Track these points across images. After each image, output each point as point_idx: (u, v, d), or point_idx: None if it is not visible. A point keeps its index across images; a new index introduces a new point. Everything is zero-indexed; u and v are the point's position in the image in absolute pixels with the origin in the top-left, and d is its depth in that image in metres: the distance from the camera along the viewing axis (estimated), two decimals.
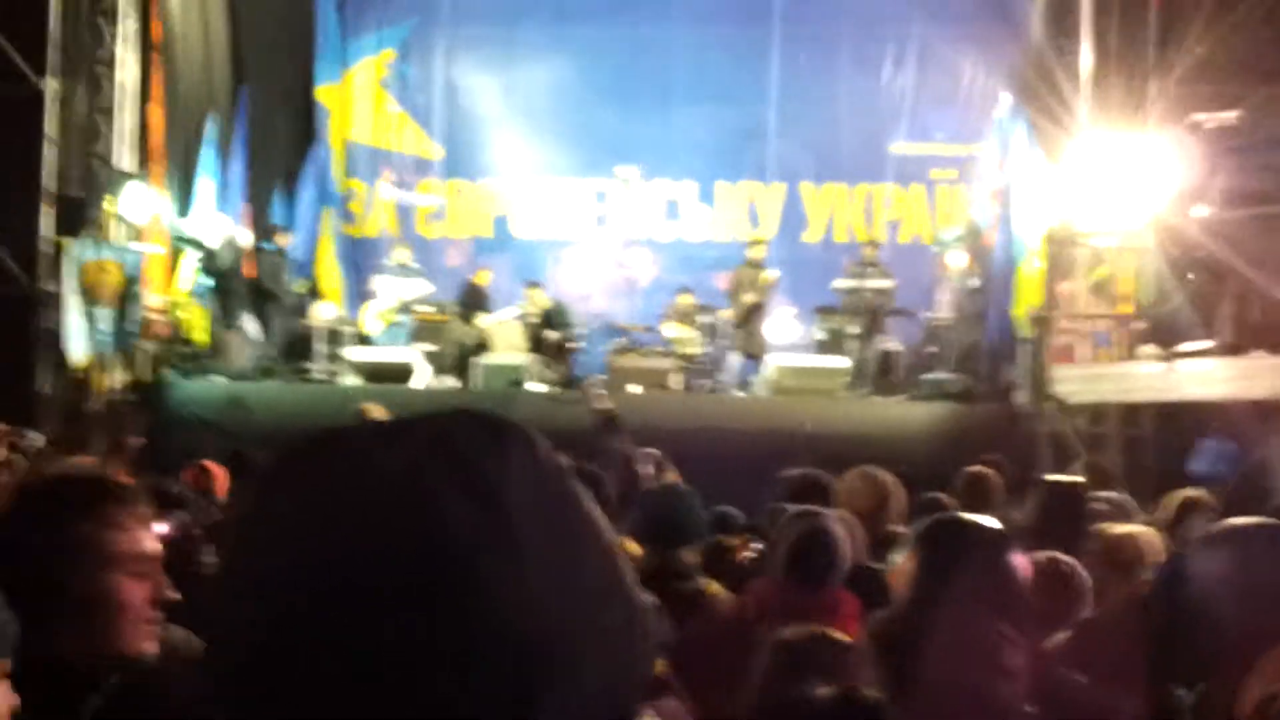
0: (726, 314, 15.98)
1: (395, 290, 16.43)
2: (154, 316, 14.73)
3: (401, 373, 14.51)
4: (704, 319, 16.04)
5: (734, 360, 15.86)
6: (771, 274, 15.94)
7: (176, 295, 15.14)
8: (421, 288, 16.54)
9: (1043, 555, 4.66)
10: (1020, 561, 3.07)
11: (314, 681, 0.84)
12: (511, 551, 0.86)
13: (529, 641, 0.85)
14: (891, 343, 15.82)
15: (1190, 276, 12.34)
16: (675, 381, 14.93)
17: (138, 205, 14.87)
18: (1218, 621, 3.03)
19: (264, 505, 0.92)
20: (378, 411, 9.31)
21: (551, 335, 16.00)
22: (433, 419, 0.93)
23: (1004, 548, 3.06)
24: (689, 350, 15.62)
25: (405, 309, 16.22)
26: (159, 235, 15.15)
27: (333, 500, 0.88)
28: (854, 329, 15.58)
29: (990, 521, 3.29)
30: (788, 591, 3.92)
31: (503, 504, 0.87)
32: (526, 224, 19.26)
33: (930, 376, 14.86)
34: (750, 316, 15.74)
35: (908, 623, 2.97)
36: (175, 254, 15.28)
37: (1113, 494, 7.06)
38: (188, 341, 14.98)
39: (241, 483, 7.55)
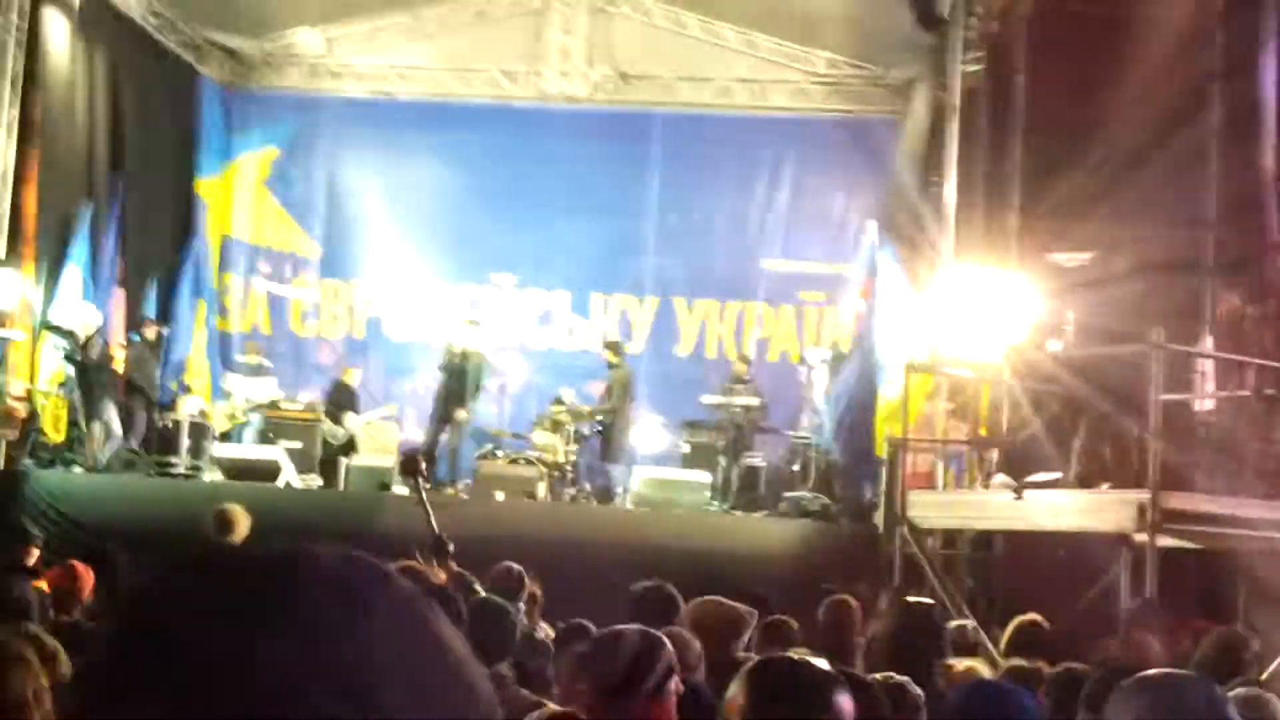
0: (586, 414, 16.08)
1: (244, 389, 16.36)
2: (13, 404, 14.49)
3: (266, 471, 14.38)
4: (574, 427, 16.14)
5: (617, 470, 15.91)
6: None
7: (38, 384, 14.91)
8: (269, 388, 16.47)
9: (880, 675, 4.86)
10: (846, 703, 3.20)
11: None
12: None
13: None
14: (756, 459, 16.06)
15: (1043, 408, 12.72)
16: (541, 490, 14.95)
17: (4, 290, 14.68)
18: None
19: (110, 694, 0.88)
20: (239, 513, 9.23)
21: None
22: (277, 579, 0.89)
23: (830, 689, 3.19)
24: (557, 458, 15.67)
25: (255, 409, 16.13)
26: (24, 322, 14.95)
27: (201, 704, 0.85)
28: (720, 444, 15.79)
29: (819, 662, 3.43)
30: (596, 705, 3.96)
31: (363, 686, 0.87)
32: (399, 326, 19.28)
33: (792, 494, 15.10)
34: (614, 424, 15.87)
35: None
36: (39, 341, 15.07)
37: (964, 622, 7.30)
38: (43, 431, 14.72)
39: (105, 585, 7.46)
